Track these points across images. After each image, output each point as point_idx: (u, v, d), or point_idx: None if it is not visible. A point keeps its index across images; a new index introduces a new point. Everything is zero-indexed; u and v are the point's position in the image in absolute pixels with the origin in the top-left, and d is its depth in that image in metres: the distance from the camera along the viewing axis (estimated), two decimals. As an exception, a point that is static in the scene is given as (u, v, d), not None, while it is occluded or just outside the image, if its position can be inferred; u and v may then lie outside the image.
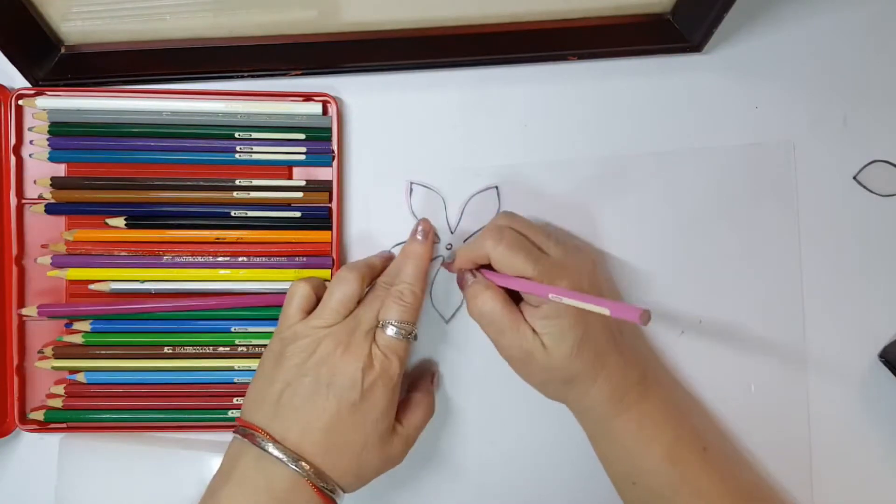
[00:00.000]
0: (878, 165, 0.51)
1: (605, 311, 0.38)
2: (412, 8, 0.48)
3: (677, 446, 0.45)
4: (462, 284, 0.47)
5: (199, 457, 0.50)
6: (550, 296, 0.41)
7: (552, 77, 0.51)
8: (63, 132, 0.49)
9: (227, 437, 0.45)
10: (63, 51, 0.49)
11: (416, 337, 0.45)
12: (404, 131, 0.51)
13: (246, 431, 0.43)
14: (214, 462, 0.49)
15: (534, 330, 0.44)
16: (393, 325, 0.44)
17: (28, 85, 0.49)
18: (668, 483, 0.44)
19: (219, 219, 0.49)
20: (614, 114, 0.51)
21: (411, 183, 0.51)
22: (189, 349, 0.50)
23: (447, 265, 0.50)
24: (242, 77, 0.50)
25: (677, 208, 0.51)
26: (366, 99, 0.51)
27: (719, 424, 0.51)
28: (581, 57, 0.50)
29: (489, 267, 0.46)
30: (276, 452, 0.41)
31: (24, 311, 0.49)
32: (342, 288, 0.45)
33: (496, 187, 0.51)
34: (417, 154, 0.51)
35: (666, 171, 0.51)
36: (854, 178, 0.51)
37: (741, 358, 0.51)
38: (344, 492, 0.43)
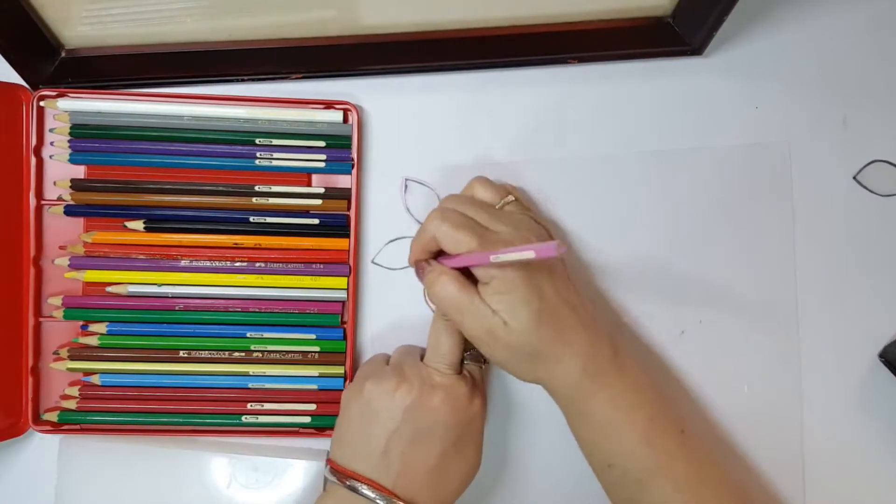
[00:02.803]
0: (878, 165, 0.51)
1: (530, 255, 0.38)
2: (418, 11, 0.48)
3: (653, 428, 0.44)
4: (420, 276, 0.47)
5: (200, 457, 0.50)
6: (491, 258, 0.41)
7: (554, 80, 0.51)
8: (84, 134, 0.49)
9: (235, 439, 0.46)
10: (63, 54, 0.50)
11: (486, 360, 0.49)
12: (422, 136, 0.51)
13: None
14: (214, 462, 0.50)
15: (493, 309, 0.43)
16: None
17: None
18: (644, 466, 0.44)
19: (237, 224, 0.50)
20: (615, 116, 0.51)
21: (406, 179, 0.51)
22: (204, 353, 0.50)
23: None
24: (243, 80, 0.50)
25: (677, 208, 0.51)
26: (381, 103, 0.51)
27: (718, 424, 0.51)
28: (582, 60, 0.50)
29: (443, 254, 0.46)
30: None
31: (50, 301, 0.50)
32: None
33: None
34: (430, 158, 0.51)
35: (666, 170, 0.51)
36: (854, 178, 0.51)
37: (740, 358, 0.51)
38: None
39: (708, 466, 0.45)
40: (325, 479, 0.46)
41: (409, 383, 0.45)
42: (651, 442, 0.44)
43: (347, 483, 0.44)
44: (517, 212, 0.47)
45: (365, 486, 0.43)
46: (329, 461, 0.46)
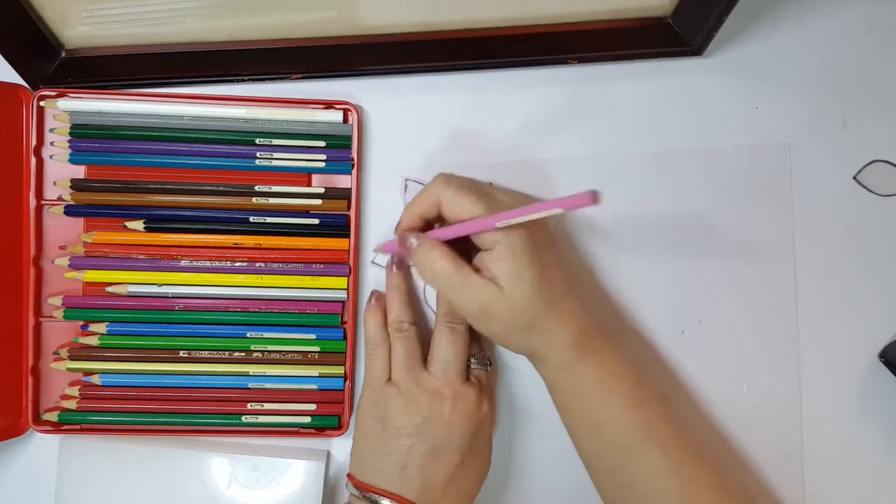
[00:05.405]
0: (878, 165, 0.51)
1: (559, 210, 0.38)
2: (418, 12, 0.48)
3: (639, 393, 0.45)
4: (406, 250, 0.45)
5: (200, 457, 0.50)
6: (497, 224, 0.40)
7: (554, 80, 0.51)
8: (84, 134, 0.49)
9: (235, 439, 0.46)
10: (63, 54, 0.49)
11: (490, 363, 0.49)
12: (422, 136, 0.51)
13: None
14: (214, 461, 0.50)
15: (489, 278, 0.43)
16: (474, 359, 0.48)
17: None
18: (632, 431, 0.44)
19: (237, 224, 0.50)
20: (615, 116, 0.51)
21: (406, 179, 0.51)
22: (204, 353, 0.50)
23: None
24: (243, 80, 0.50)
25: (677, 208, 0.51)
26: (381, 103, 0.51)
27: (718, 424, 0.51)
28: (582, 60, 0.50)
29: (428, 230, 0.46)
30: None
31: (50, 301, 0.49)
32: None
33: (490, 184, 0.51)
34: (430, 158, 0.51)
35: (666, 170, 0.51)
36: (854, 178, 0.51)
37: (740, 358, 0.51)
38: None
39: (690, 431, 0.46)
40: (349, 495, 0.47)
41: (418, 400, 0.45)
42: (639, 405, 0.44)
43: (370, 497, 0.44)
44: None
45: (387, 500, 0.44)
46: (349, 476, 0.47)
